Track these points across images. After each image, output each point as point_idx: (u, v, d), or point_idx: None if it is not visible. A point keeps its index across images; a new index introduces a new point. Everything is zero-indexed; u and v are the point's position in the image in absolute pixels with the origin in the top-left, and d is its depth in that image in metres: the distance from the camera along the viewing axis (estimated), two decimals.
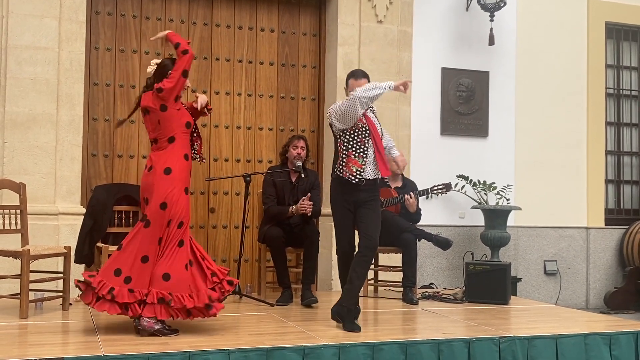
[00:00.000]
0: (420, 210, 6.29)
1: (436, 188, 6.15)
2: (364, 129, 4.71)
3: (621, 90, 8.51)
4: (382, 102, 7.08)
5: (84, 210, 5.85)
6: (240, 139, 7.03)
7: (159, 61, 4.63)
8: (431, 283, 7.24)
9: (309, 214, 5.77)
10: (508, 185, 7.49)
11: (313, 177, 6.08)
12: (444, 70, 7.56)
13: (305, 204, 5.71)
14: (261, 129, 7.13)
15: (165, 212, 4.32)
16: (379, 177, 4.82)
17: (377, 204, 4.83)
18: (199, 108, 4.67)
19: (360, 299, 6.08)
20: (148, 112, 4.49)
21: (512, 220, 7.49)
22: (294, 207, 5.78)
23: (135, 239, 4.33)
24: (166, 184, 4.35)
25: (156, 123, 4.46)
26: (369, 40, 7.11)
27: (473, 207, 7.35)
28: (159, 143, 4.47)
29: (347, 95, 4.87)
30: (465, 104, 7.63)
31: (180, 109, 4.51)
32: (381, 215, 6.07)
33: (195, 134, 4.64)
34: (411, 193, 6.10)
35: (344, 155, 4.74)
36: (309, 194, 5.79)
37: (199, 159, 4.69)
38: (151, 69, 4.61)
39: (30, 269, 4.86)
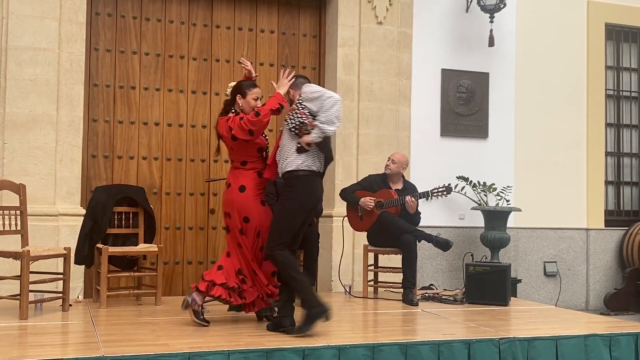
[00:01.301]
0: (420, 213, 6.29)
1: (437, 190, 6.14)
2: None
3: (621, 92, 8.52)
4: (381, 103, 7.12)
5: (83, 211, 5.85)
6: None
7: (234, 84, 4.92)
8: (431, 284, 7.24)
9: None
10: (508, 187, 7.49)
11: None
12: (443, 71, 7.57)
13: None
14: None
15: (249, 225, 4.68)
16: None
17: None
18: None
19: (360, 300, 6.12)
20: (221, 137, 4.81)
21: (512, 221, 7.49)
22: None
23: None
24: (242, 200, 4.68)
25: (229, 148, 4.78)
26: (368, 42, 7.11)
27: (473, 208, 7.36)
28: (233, 163, 4.83)
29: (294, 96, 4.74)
30: (465, 105, 7.63)
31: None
32: (381, 217, 6.13)
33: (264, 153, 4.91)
34: (412, 195, 6.09)
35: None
36: None
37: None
38: (229, 91, 4.90)
39: (30, 269, 4.86)
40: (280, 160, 4.65)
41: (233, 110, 4.78)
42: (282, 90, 4.70)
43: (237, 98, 4.79)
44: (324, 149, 4.63)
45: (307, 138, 4.50)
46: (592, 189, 8.10)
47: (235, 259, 4.72)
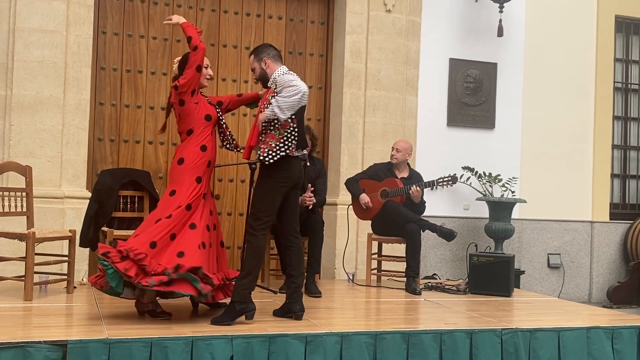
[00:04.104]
0: (425, 202, 6.29)
1: (442, 180, 6.14)
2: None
3: (629, 85, 8.47)
4: (388, 91, 7.10)
5: (89, 194, 5.87)
6: (247, 126, 7.02)
7: (179, 58, 4.74)
8: (434, 274, 7.25)
9: (310, 207, 5.74)
10: (513, 178, 7.48)
11: (320, 166, 6.07)
12: (451, 61, 7.54)
13: (306, 197, 5.70)
14: None
15: (174, 198, 4.41)
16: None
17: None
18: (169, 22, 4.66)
19: (363, 288, 6.13)
20: (172, 107, 4.66)
21: (516, 212, 7.49)
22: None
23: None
24: (177, 172, 4.48)
25: (178, 117, 4.63)
26: (377, 29, 7.08)
27: (478, 199, 7.35)
28: (181, 136, 4.65)
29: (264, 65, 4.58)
30: (472, 96, 7.60)
31: (199, 102, 4.59)
32: (386, 206, 6.12)
33: (223, 125, 4.74)
34: (417, 184, 6.09)
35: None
36: (310, 186, 5.76)
37: (233, 148, 4.82)
38: (175, 66, 4.73)
39: (35, 251, 4.88)
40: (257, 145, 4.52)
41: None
42: (177, 20, 4.56)
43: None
44: (301, 144, 4.52)
45: (261, 115, 4.38)
46: (597, 181, 8.08)
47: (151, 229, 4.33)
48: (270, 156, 4.36)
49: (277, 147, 4.38)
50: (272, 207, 4.45)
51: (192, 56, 4.48)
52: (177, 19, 4.62)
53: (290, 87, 4.36)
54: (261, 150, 4.40)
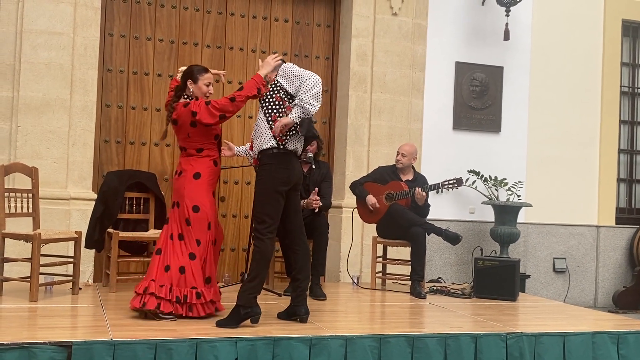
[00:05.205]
0: (429, 205, 6.28)
1: (447, 182, 6.12)
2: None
3: (636, 89, 8.45)
4: (394, 94, 7.09)
5: (95, 196, 5.88)
6: (252, 128, 7.02)
7: (184, 68, 4.74)
8: (439, 277, 7.24)
9: (316, 210, 5.74)
10: (519, 182, 7.47)
11: (325, 169, 6.06)
12: (458, 64, 7.53)
13: (312, 199, 5.70)
14: None
15: (199, 215, 4.45)
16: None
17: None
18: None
19: (368, 292, 6.12)
20: (177, 123, 4.55)
21: (522, 216, 7.47)
22: (304, 201, 5.76)
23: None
24: (195, 187, 4.47)
25: (185, 135, 4.54)
26: (383, 33, 7.09)
27: (483, 203, 7.33)
28: (188, 151, 4.58)
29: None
30: (478, 99, 7.60)
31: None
32: (391, 209, 6.11)
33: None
34: (422, 187, 6.07)
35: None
36: (316, 189, 5.75)
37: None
38: (179, 76, 4.72)
39: (41, 252, 4.89)
40: (255, 140, 4.51)
41: (185, 96, 4.59)
42: (263, 72, 4.48)
43: (189, 83, 4.58)
44: (304, 128, 4.41)
45: (284, 120, 4.31)
46: (604, 186, 8.06)
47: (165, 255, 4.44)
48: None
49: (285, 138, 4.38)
50: (276, 209, 4.39)
51: (228, 104, 4.42)
52: (266, 69, 4.48)
53: (304, 80, 4.32)
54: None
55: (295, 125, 4.37)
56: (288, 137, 4.39)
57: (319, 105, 4.36)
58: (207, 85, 4.60)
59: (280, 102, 4.40)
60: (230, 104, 4.41)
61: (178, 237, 4.45)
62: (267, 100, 4.44)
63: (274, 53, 4.82)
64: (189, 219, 4.44)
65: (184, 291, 4.35)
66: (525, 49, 7.78)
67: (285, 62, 4.53)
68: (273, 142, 4.38)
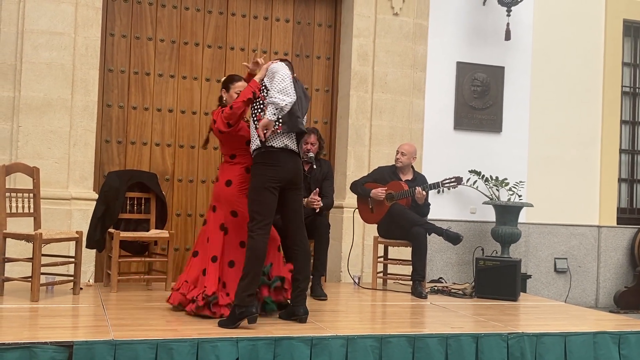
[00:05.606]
0: (429, 204, 6.27)
1: (447, 181, 6.12)
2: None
3: (637, 89, 8.44)
4: (395, 95, 7.10)
5: (96, 196, 5.88)
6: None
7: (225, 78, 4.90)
8: (440, 277, 7.24)
9: (317, 210, 5.73)
10: (520, 182, 7.46)
11: (326, 168, 6.04)
12: (459, 64, 7.53)
13: (313, 199, 5.69)
14: None
15: (237, 220, 4.60)
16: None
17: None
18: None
19: (369, 291, 6.12)
20: (212, 130, 4.77)
21: (523, 216, 7.47)
22: (305, 200, 5.76)
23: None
24: (230, 194, 4.62)
25: (219, 142, 4.78)
26: (384, 33, 7.08)
27: (484, 203, 7.33)
28: (224, 157, 4.79)
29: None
30: (479, 99, 7.59)
31: (241, 129, 4.63)
32: (392, 209, 6.11)
33: None
34: (422, 187, 6.07)
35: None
36: (317, 189, 5.75)
37: None
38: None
39: (42, 252, 4.90)
40: (252, 140, 4.52)
41: (219, 104, 4.80)
42: (259, 77, 4.53)
43: (222, 92, 4.76)
44: (290, 125, 4.41)
45: (262, 121, 4.31)
46: (605, 186, 8.05)
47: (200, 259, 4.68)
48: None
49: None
50: (265, 206, 4.37)
51: (228, 112, 4.54)
52: (260, 75, 4.55)
53: (274, 78, 4.35)
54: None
55: (278, 122, 4.37)
56: (271, 136, 4.39)
57: (289, 100, 4.31)
58: (238, 94, 4.64)
59: (264, 102, 4.44)
60: (230, 111, 4.52)
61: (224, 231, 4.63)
62: (256, 101, 4.50)
63: (264, 52, 4.89)
64: (224, 224, 4.63)
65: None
66: (526, 49, 7.77)
67: (275, 62, 4.55)
68: (258, 142, 4.42)
